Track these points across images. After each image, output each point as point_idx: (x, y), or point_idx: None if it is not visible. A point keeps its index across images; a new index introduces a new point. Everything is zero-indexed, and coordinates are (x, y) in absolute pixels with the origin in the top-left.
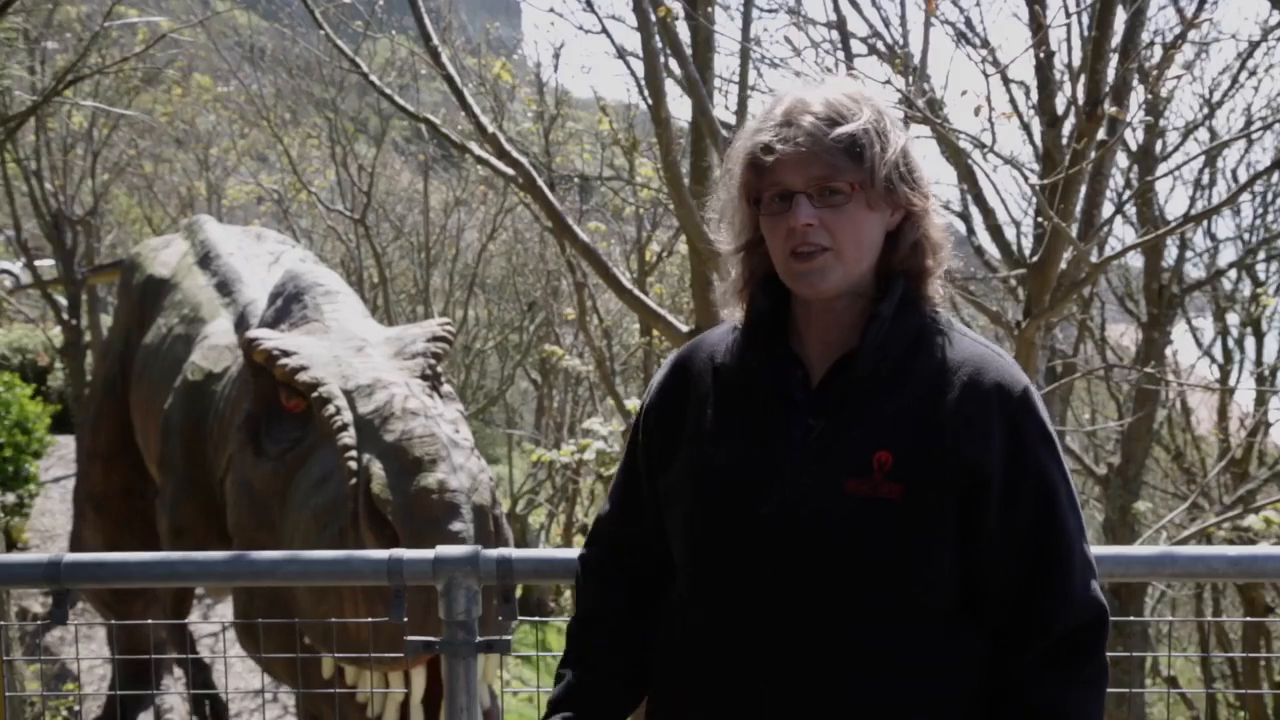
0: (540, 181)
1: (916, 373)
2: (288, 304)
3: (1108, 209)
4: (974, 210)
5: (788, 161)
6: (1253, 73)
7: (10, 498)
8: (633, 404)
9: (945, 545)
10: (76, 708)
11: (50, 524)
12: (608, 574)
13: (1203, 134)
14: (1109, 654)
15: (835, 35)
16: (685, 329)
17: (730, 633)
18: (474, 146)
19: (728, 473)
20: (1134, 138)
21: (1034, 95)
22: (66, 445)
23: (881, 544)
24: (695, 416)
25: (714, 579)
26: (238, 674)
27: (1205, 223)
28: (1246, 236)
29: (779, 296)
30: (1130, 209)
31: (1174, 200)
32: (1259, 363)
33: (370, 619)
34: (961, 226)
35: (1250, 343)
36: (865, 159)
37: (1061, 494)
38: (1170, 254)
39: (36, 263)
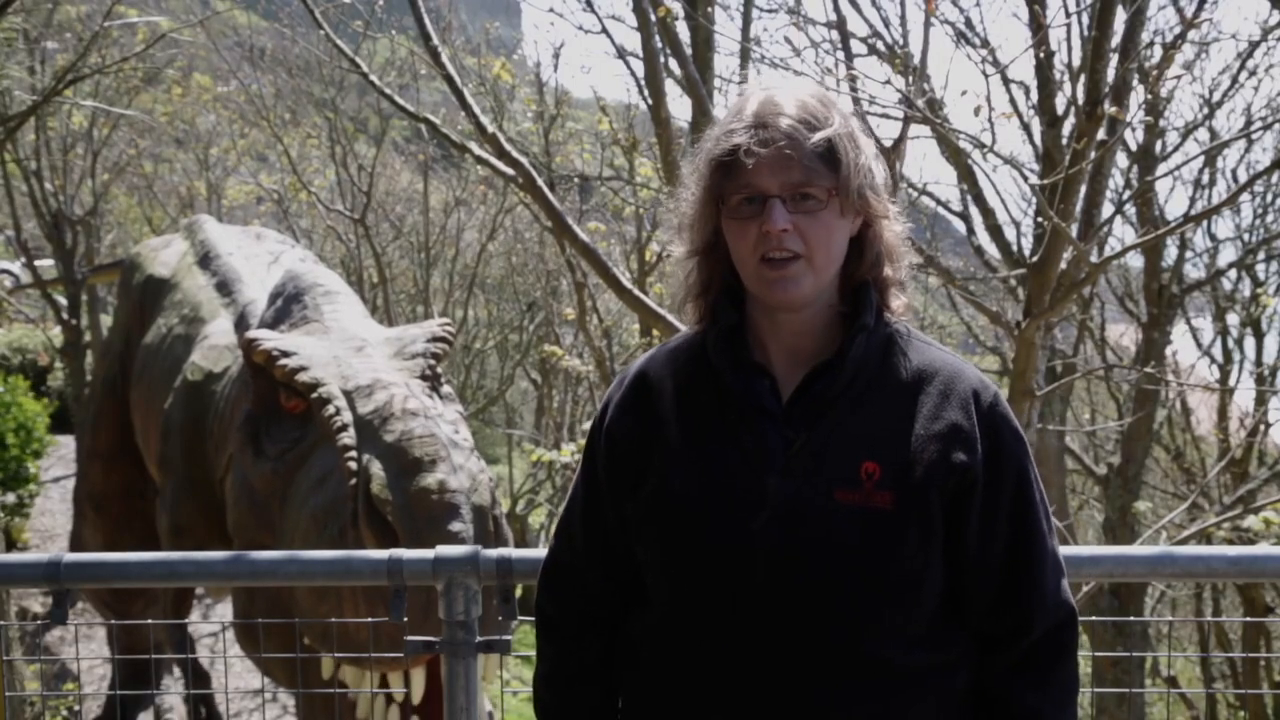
0: (540, 181)
1: (890, 383)
2: (287, 304)
3: (1108, 209)
4: (974, 210)
5: (763, 164)
6: (1253, 73)
7: (10, 498)
8: None
9: (936, 550)
10: (76, 708)
11: (50, 524)
12: (573, 629)
13: (1203, 134)
14: (1109, 654)
15: (835, 35)
16: (685, 329)
17: (717, 655)
18: (474, 146)
19: (707, 492)
20: (1134, 138)
21: (1034, 95)
22: (66, 445)
23: (875, 553)
24: (663, 436)
25: (697, 602)
26: (237, 674)
27: (1205, 223)
28: (1246, 236)
29: (738, 305)
30: (1130, 209)
31: (1174, 200)
32: (1259, 363)
33: (370, 619)
34: (961, 226)
35: (1250, 343)
36: (841, 166)
37: (1035, 495)
38: (1170, 254)
39: (36, 263)
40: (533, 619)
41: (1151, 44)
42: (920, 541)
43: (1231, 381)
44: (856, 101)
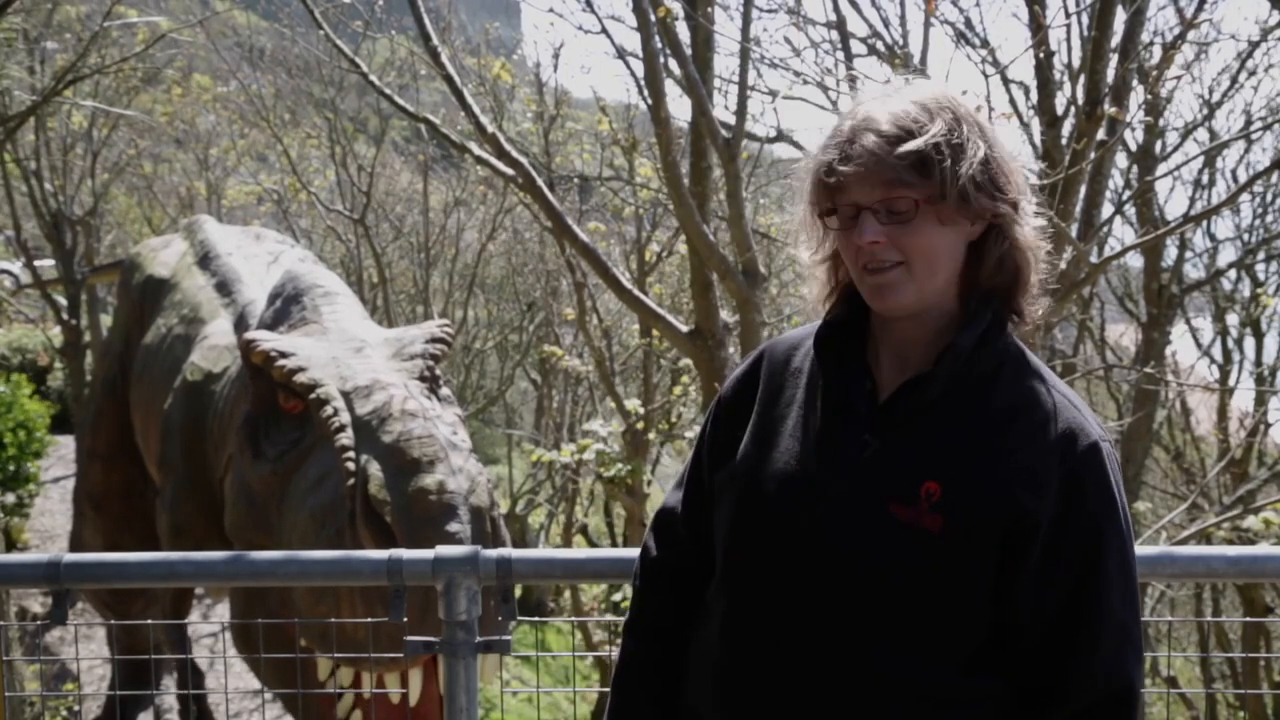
0: (540, 181)
1: (985, 407)
2: (286, 305)
3: (1108, 209)
4: None
5: (853, 178)
6: (1252, 73)
7: (10, 498)
8: (633, 404)
9: (977, 587)
10: (76, 708)
11: (50, 524)
12: (663, 581)
13: (1202, 134)
14: None
15: (835, 35)
16: (685, 329)
17: (754, 634)
18: (474, 146)
19: (775, 478)
20: (1134, 138)
21: (1034, 95)
22: (66, 445)
23: (912, 574)
24: (759, 415)
25: (745, 580)
26: (237, 674)
27: (1205, 223)
28: (1246, 236)
29: (860, 305)
30: (1130, 209)
31: (1174, 200)
32: (1259, 363)
33: (369, 619)
34: None
35: (1250, 343)
36: (934, 174)
37: (1110, 560)
38: (1170, 254)
39: (36, 263)
40: (532, 620)
41: (1151, 44)
42: (960, 573)
43: (1231, 381)
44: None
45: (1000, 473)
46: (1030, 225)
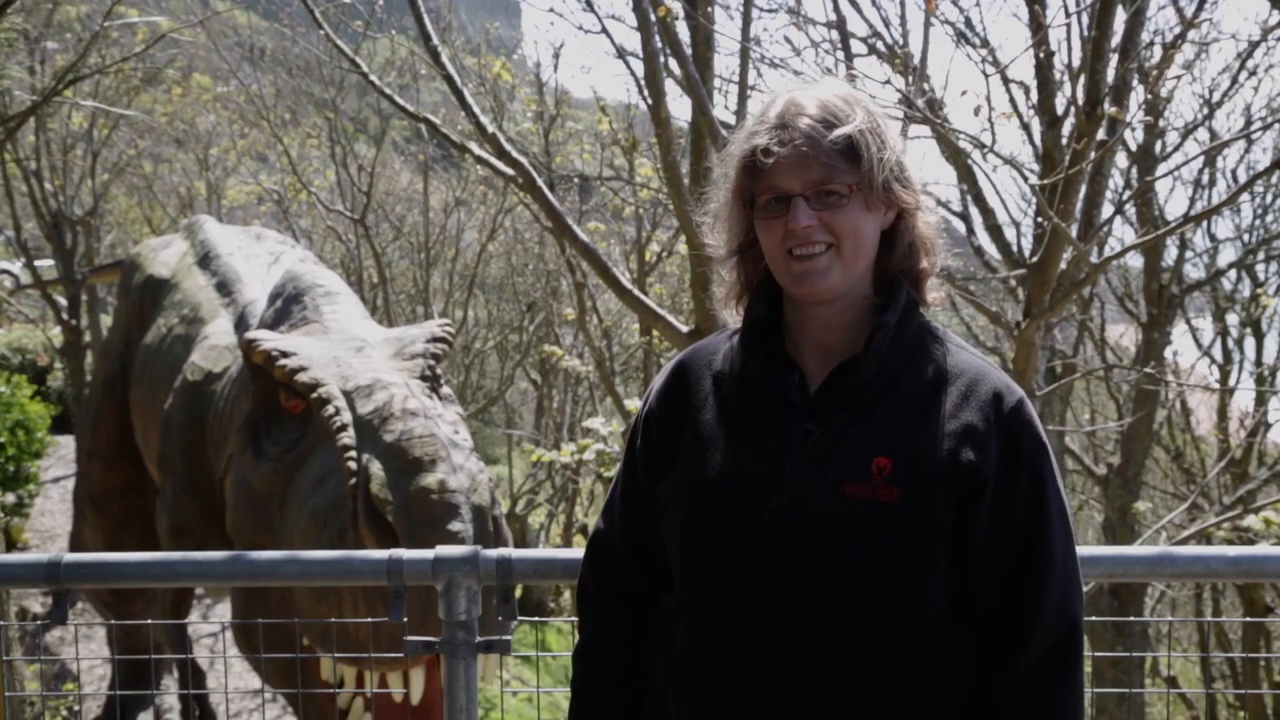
0: (540, 181)
1: (915, 381)
2: (287, 305)
3: (1108, 209)
4: (974, 210)
5: (784, 164)
6: (1253, 73)
7: (10, 498)
8: (633, 404)
9: (941, 551)
10: (76, 708)
11: (50, 524)
12: (609, 605)
13: (1203, 134)
14: (1109, 655)
15: (835, 35)
16: (685, 329)
17: (727, 637)
18: (474, 146)
19: (726, 479)
20: (1134, 138)
21: (1034, 95)
22: (66, 445)
23: (879, 547)
24: (694, 423)
25: (711, 585)
26: (237, 674)
27: (1205, 223)
28: (1246, 236)
29: (774, 301)
30: (1130, 209)
31: (1174, 200)
32: (1259, 363)
33: (370, 619)
34: (961, 226)
35: (1250, 343)
36: (863, 161)
37: (1052, 506)
38: (1170, 254)
39: (36, 263)
40: (532, 619)
41: (1151, 44)
42: (925, 539)
43: (1231, 381)
44: None
45: (945, 438)
46: (928, 220)
